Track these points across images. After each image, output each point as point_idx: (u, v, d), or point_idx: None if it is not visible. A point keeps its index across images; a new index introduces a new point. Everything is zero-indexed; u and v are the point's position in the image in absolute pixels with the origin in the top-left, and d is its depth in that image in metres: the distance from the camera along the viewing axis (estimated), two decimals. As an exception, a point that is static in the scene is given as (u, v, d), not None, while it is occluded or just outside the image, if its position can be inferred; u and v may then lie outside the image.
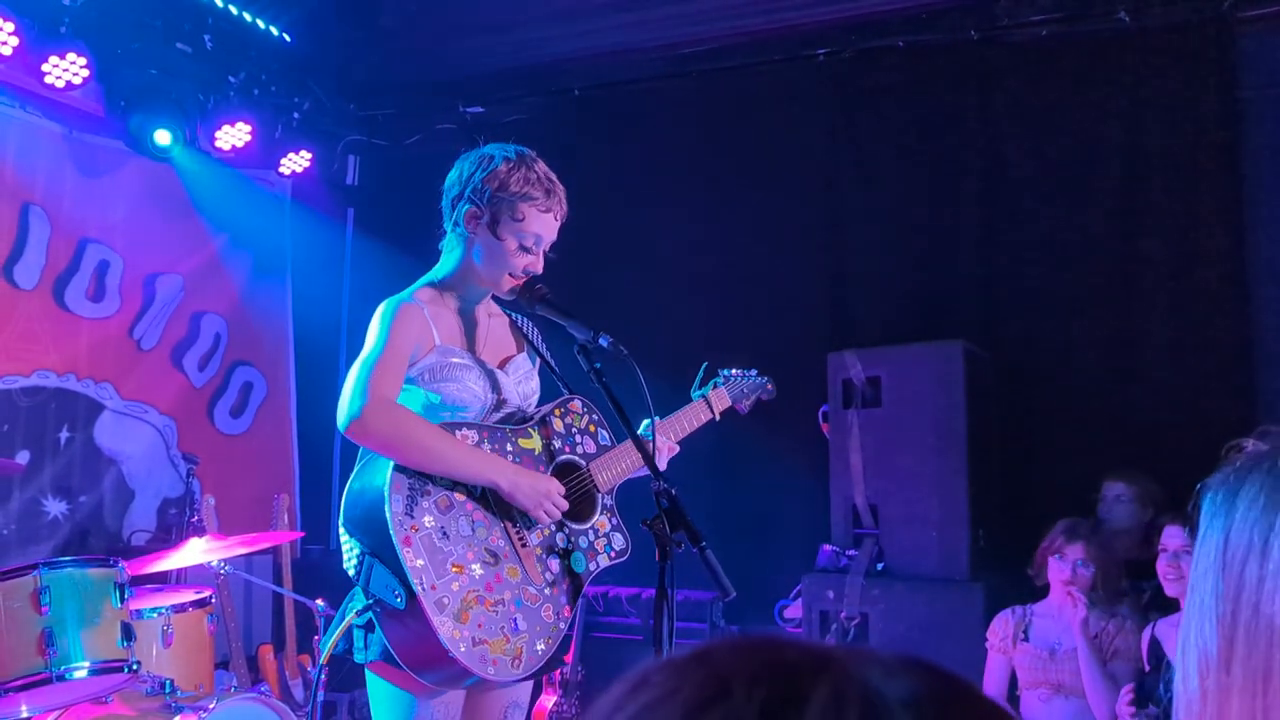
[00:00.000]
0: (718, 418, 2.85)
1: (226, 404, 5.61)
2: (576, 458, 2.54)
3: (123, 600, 3.04)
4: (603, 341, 2.40)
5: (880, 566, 4.19)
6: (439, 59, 5.67)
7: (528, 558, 2.39)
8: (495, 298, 2.60)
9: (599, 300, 5.18)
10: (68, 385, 4.89)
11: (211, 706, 3.09)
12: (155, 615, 3.52)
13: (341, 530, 2.34)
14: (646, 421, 2.60)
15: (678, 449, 2.69)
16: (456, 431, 2.36)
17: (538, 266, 2.52)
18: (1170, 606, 3.35)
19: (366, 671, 2.38)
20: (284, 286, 5.91)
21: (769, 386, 3.03)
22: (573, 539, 2.47)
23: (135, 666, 3.02)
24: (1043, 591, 3.76)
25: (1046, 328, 4.63)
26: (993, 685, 3.71)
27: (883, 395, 4.27)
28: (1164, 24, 4.49)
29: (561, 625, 2.39)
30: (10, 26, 4.21)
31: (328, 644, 2.38)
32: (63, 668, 2.87)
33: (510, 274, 2.48)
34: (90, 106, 4.84)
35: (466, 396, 2.43)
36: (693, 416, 2.77)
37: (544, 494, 2.37)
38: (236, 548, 3.77)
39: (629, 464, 2.56)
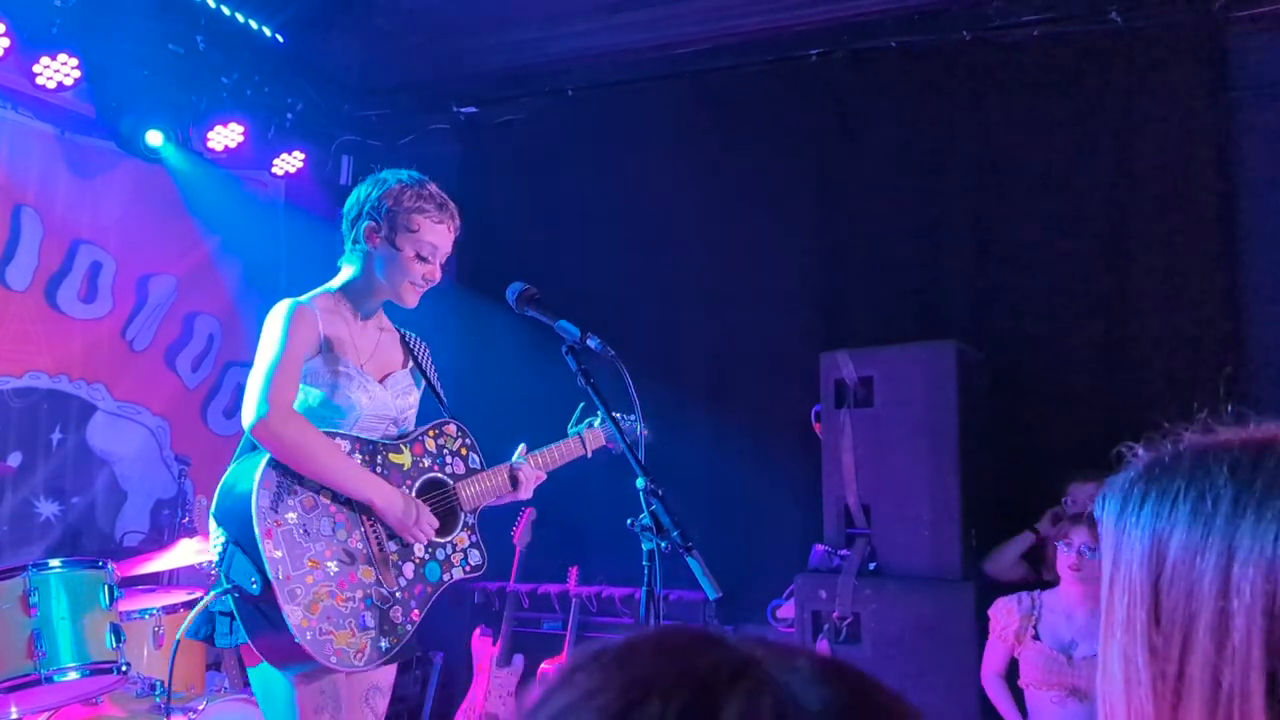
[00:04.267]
0: (589, 455, 3.01)
1: (220, 405, 5.60)
2: (444, 476, 2.73)
3: (112, 601, 3.04)
4: (591, 343, 2.43)
5: (872, 566, 4.19)
6: (433, 59, 5.66)
7: (383, 562, 2.57)
8: (388, 311, 2.80)
9: (590, 301, 5.17)
10: (60, 386, 4.89)
11: (202, 708, 3.09)
12: (146, 616, 3.53)
13: (211, 520, 2.53)
14: (519, 450, 2.85)
15: (544, 478, 2.89)
16: (333, 440, 2.54)
17: (436, 275, 2.73)
18: None
19: (248, 669, 2.59)
20: (277, 287, 5.90)
21: (644, 433, 3.09)
22: (431, 550, 2.66)
23: (125, 668, 3.02)
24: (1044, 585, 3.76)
25: (1038, 328, 4.63)
26: (993, 668, 3.72)
27: (875, 395, 4.27)
28: (1156, 24, 4.49)
29: (409, 627, 2.58)
30: (1, 27, 4.20)
31: (181, 633, 2.58)
32: (52, 669, 2.88)
33: (411, 283, 2.69)
34: (82, 107, 4.83)
35: (343, 403, 2.61)
36: (565, 451, 2.95)
37: (414, 518, 2.57)
38: (228, 549, 3.76)
39: (494, 487, 2.78)
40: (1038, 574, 4.05)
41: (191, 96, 5.04)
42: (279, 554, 2.39)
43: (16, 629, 2.85)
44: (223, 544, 2.47)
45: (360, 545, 2.55)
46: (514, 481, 2.82)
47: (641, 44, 5.30)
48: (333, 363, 2.61)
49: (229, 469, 2.57)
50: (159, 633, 3.52)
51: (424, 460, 2.71)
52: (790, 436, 4.78)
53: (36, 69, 4.40)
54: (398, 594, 2.57)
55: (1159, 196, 4.49)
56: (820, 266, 5.07)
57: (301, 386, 2.58)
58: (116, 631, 3.01)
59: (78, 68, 4.46)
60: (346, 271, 2.75)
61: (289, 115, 5.54)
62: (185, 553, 3.71)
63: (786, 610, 4.49)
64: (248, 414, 2.48)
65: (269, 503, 2.43)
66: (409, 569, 2.61)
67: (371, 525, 2.57)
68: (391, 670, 2.73)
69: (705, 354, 5.24)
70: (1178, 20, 4.45)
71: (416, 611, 2.60)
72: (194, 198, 5.38)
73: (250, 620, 2.44)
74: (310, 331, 2.59)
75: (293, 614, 2.37)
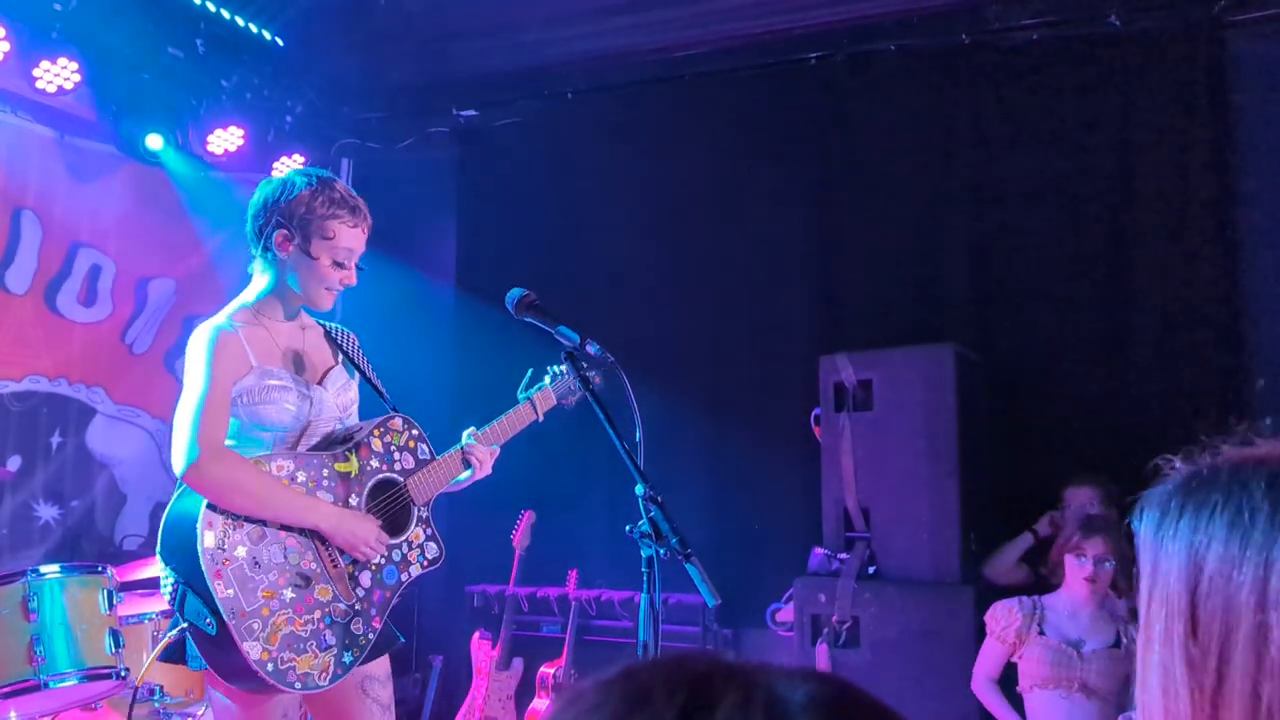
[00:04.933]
0: (541, 418, 2.94)
1: (219, 408, 5.60)
2: (394, 475, 2.68)
3: (111, 606, 3.04)
4: (590, 348, 2.42)
5: (872, 570, 4.19)
6: (432, 62, 5.67)
7: (339, 578, 2.54)
8: (308, 310, 2.73)
9: (589, 304, 5.18)
10: (59, 390, 4.89)
11: (200, 713, 3.09)
12: (145, 620, 3.53)
13: (158, 556, 2.48)
14: (467, 432, 2.77)
15: (498, 452, 2.83)
16: (272, 463, 2.48)
17: (352, 279, 2.66)
18: None
19: (206, 684, 2.59)
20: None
21: (597, 379, 3.06)
22: (386, 554, 2.61)
23: (124, 673, 3.02)
24: (1047, 587, 3.75)
25: (1037, 331, 4.64)
26: (986, 671, 3.70)
27: (874, 398, 4.27)
28: (1155, 27, 4.49)
29: (371, 636, 2.56)
30: (1, 31, 4.21)
31: (147, 662, 2.60)
32: (51, 674, 2.88)
33: (328, 288, 2.63)
34: (82, 111, 4.84)
35: (284, 417, 2.55)
36: (516, 420, 2.88)
37: (363, 537, 2.53)
38: (227, 553, 3.76)
39: (446, 474, 2.73)
40: (1038, 577, 4.04)
41: (191, 100, 5.05)
42: (230, 592, 2.35)
43: (16, 634, 2.86)
44: (173, 583, 2.42)
45: (314, 565, 2.51)
46: (467, 463, 2.76)
47: (641, 47, 5.30)
48: (265, 376, 2.54)
49: (171, 503, 2.50)
50: (158, 637, 3.52)
51: (371, 463, 2.65)
52: (789, 439, 4.78)
53: (36, 72, 4.41)
54: (357, 606, 2.54)
55: (1158, 200, 4.49)
56: (819, 269, 5.07)
57: (236, 406, 2.52)
58: (115, 637, 3.02)
59: (77, 71, 4.47)
60: (260, 281, 2.66)
61: (288, 118, 5.54)
62: (184, 557, 3.70)
63: (786, 614, 4.49)
64: (178, 459, 2.41)
65: (215, 542, 2.37)
66: (366, 578, 2.58)
67: (323, 543, 2.53)
68: (384, 660, 2.69)
69: (705, 356, 5.24)
70: (1177, 23, 4.45)
71: (378, 619, 2.58)
72: (193, 201, 5.38)
73: (209, 654, 2.42)
74: (235, 355, 2.52)
75: (251, 650, 2.35)
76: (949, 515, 4.09)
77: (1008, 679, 3.68)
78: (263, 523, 2.45)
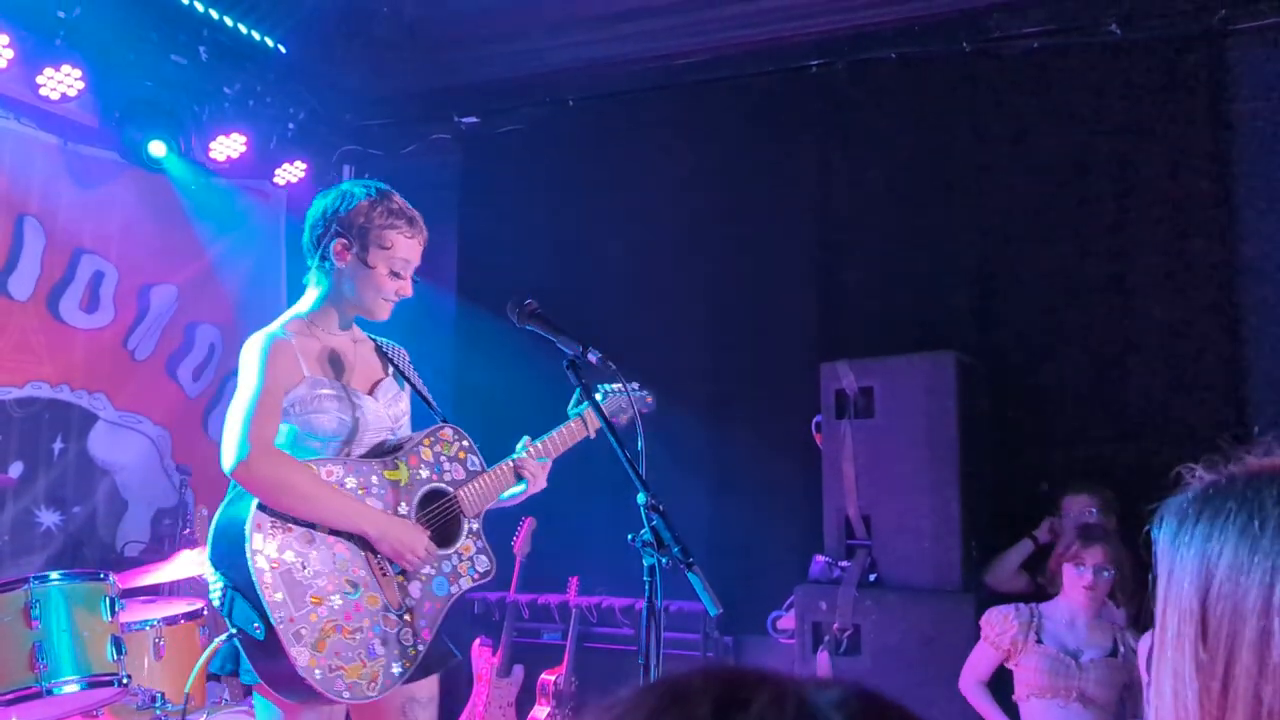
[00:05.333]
0: (592, 435, 2.94)
1: (221, 414, 5.55)
2: (444, 485, 2.67)
3: (113, 613, 3.04)
4: (592, 357, 2.43)
5: (873, 577, 4.19)
6: (434, 69, 5.68)
7: (388, 585, 2.52)
8: (360, 322, 2.74)
9: (590, 311, 5.18)
10: (61, 396, 4.89)
11: (202, 720, 3.09)
12: (147, 627, 3.53)
13: (207, 563, 2.47)
14: (522, 443, 2.78)
15: (549, 466, 2.84)
16: (322, 468, 2.48)
17: (408, 290, 2.68)
18: None
19: (254, 692, 2.52)
20: (279, 297, 5.91)
21: (648, 399, 3.07)
22: (436, 565, 2.60)
23: (126, 680, 3.02)
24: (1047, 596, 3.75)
25: (1038, 338, 4.64)
26: (976, 674, 3.69)
27: (875, 406, 4.27)
28: (1155, 36, 4.50)
29: (420, 647, 2.53)
30: (5, 39, 4.22)
31: (198, 669, 2.61)
32: (53, 681, 2.88)
33: (385, 299, 2.64)
34: (85, 118, 4.85)
35: (334, 426, 2.56)
36: (568, 435, 2.88)
37: (409, 546, 2.51)
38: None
39: (497, 486, 2.72)
40: (1039, 586, 4.04)
41: (194, 107, 5.06)
42: (279, 597, 2.34)
43: (18, 641, 2.86)
44: (222, 589, 2.41)
45: (363, 573, 2.49)
46: (519, 476, 2.77)
47: (642, 54, 5.31)
48: (318, 386, 2.55)
49: (219, 510, 2.50)
50: (159, 644, 3.52)
51: (421, 471, 2.64)
52: (790, 447, 4.78)
53: (40, 79, 4.42)
54: (405, 616, 2.52)
55: (1159, 208, 4.50)
56: (821, 276, 5.07)
57: (289, 415, 2.52)
58: (117, 644, 3.02)
59: (81, 78, 4.48)
60: (314, 292, 2.69)
61: (291, 125, 5.56)
62: (186, 564, 3.71)
63: (787, 621, 4.49)
64: (228, 456, 2.42)
65: (264, 546, 2.37)
66: (415, 588, 2.55)
67: (372, 550, 2.52)
68: (432, 681, 2.65)
69: (706, 364, 5.24)
70: (1177, 32, 4.46)
71: (427, 630, 2.55)
72: (196, 208, 5.39)
73: (259, 663, 2.40)
74: (289, 362, 2.53)
75: (300, 656, 2.33)
76: (950, 523, 4.09)
77: (1005, 687, 3.68)
78: (311, 527, 2.44)
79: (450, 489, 2.68)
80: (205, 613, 3.85)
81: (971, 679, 3.72)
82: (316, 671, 2.34)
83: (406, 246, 2.64)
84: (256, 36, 5.28)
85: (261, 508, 2.40)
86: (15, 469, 4.65)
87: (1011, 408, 4.57)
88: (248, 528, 2.37)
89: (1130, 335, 4.50)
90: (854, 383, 4.30)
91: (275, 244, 5.89)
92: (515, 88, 5.63)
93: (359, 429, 2.60)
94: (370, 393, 2.67)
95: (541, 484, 2.80)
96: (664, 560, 2.17)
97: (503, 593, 5.13)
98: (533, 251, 5.52)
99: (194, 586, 4.24)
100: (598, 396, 2.98)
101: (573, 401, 2.90)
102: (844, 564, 4.23)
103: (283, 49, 5.43)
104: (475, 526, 2.71)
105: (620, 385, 2.97)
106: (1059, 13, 4.61)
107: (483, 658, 5.13)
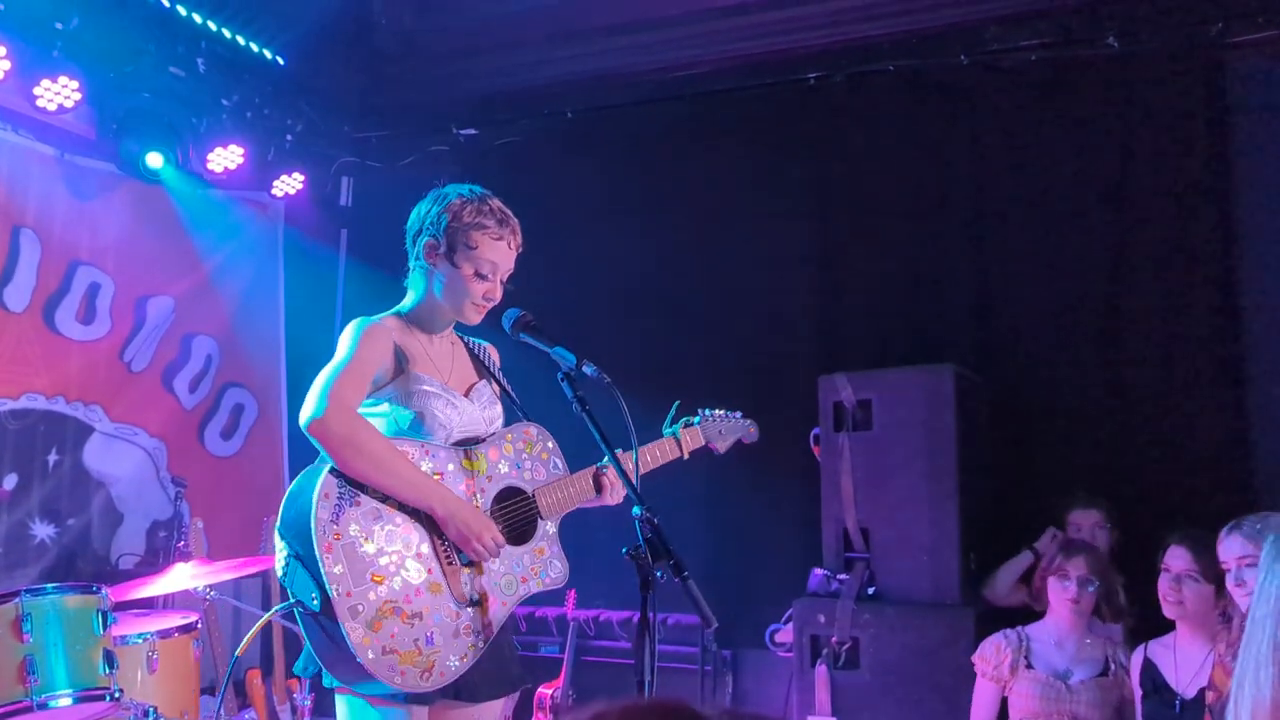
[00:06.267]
0: (686, 456, 2.91)
1: (217, 426, 5.59)
2: (522, 483, 2.63)
3: (105, 627, 3.02)
4: (587, 370, 2.42)
5: (871, 591, 4.17)
6: (432, 81, 5.69)
7: (453, 575, 2.46)
8: (459, 326, 2.71)
9: (587, 324, 5.17)
10: (57, 408, 4.88)
11: (195, 734, 3.06)
12: (140, 641, 3.50)
13: (275, 533, 2.42)
14: (607, 454, 2.67)
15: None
16: (399, 445, 2.44)
17: (496, 294, 2.65)
18: (1164, 627, 3.32)
19: (335, 694, 2.45)
20: (276, 307, 5.91)
21: (751, 430, 3.05)
22: (506, 562, 2.55)
23: (118, 695, 3.00)
24: (1033, 616, 3.73)
25: (1037, 351, 4.63)
26: (983, 713, 3.66)
27: (874, 418, 4.26)
28: (1153, 49, 4.50)
29: (480, 644, 2.45)
30: (2, 50, 4.21)
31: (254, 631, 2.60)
32: (44, 696, 2.86)
33: (472, 301, 2.61)
34: (82, 129, 4.85)
35: (432, 424, 2.52)
36: (660, 453, 2.84)
37: (476, 532, 2.44)
38: (223, 573, 3.75)
39: (576, 493, 2.68)
40: (1036, 599, 4.01)
41: (192, 118, 5.06)
42: (339, 569, 2.30)
43: (9, 655, 2.83)
44: (285, 557, 2.37)
45: (429, 558, 2.43)
46: (598, 487, 2.72)
47: (640, 67, 5.31)
48: (416, 382, 2.53)
49: (295, 480, 2.46)
50: (153, 657, 3.50)
51: (500, 466, 2.59)
52: (789, 459, 4.76)
53: (37, 91, 4.42)
54: (469, 610, 2.45)
55: (1158, 220, 4.50)
56: (819, 289, 5.07)
57: (390, 408, 2.51)
58: (109, 658, 2.99)
59: (78, 89, 4.48)
60: (412, 294, 2.67)
61: (289, 137, 5.56)
62: (180, 577, 3.68)
63: (785, 634, 4.47)
64: (305, 411, 2.38)
65: (329, 515, 2.33)
66: (482, 582, 2.49)
67: (440, 538, 2.45)
68: (496, 707, 2.58)
69: (704, 376, 5.22)
70: (1175, 44, 4.46)
71: (490, 627, 2.47)
72: (193, 219, 5.39)
73: (315, 637, 2.36)
74: (383, 346, 2.51)
75: (353, 631, 2.27)
76: (949, 536, 4.08)
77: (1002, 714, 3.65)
78: (381, 502, 2.39)
79: (528, 488, 2.63)
80: (199, 626, 3.83)
81: (979, 718, 3.67)
82: (370, 652, 2.28)
83: (493, 248, 2.61)
84: (255, 48, 5.28)
85: (333, 473, 2.36)
86: (9, 481, 4.63)
87: (1010, 421, 4.55)
88: (315, 495, 2.33)
89: (1129, 348, 4.49)
90: (852, 395, 4.28)
91: (273, 255, 5.88)
92: (513, 100, 5.63)
93: (453, 430, 2.56)
94: (466, 395, 2.64)
95: (618, 498, 2.73)
96: (659, 574, 2.15)
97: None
98: (530, 262, 5.50)
99: (188, 599, 4.21)
100: (694, 419, 2.98)
101: (667, 420, 2.86)
102: (842, 577, 4.21)
103: (281, 61, 5.43)
104: (552, 530, 2.66)
105: (726, 411, 2.94)
106: (1057, 26, 4.61)
107: (479, 671, 5.10)
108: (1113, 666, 3.50)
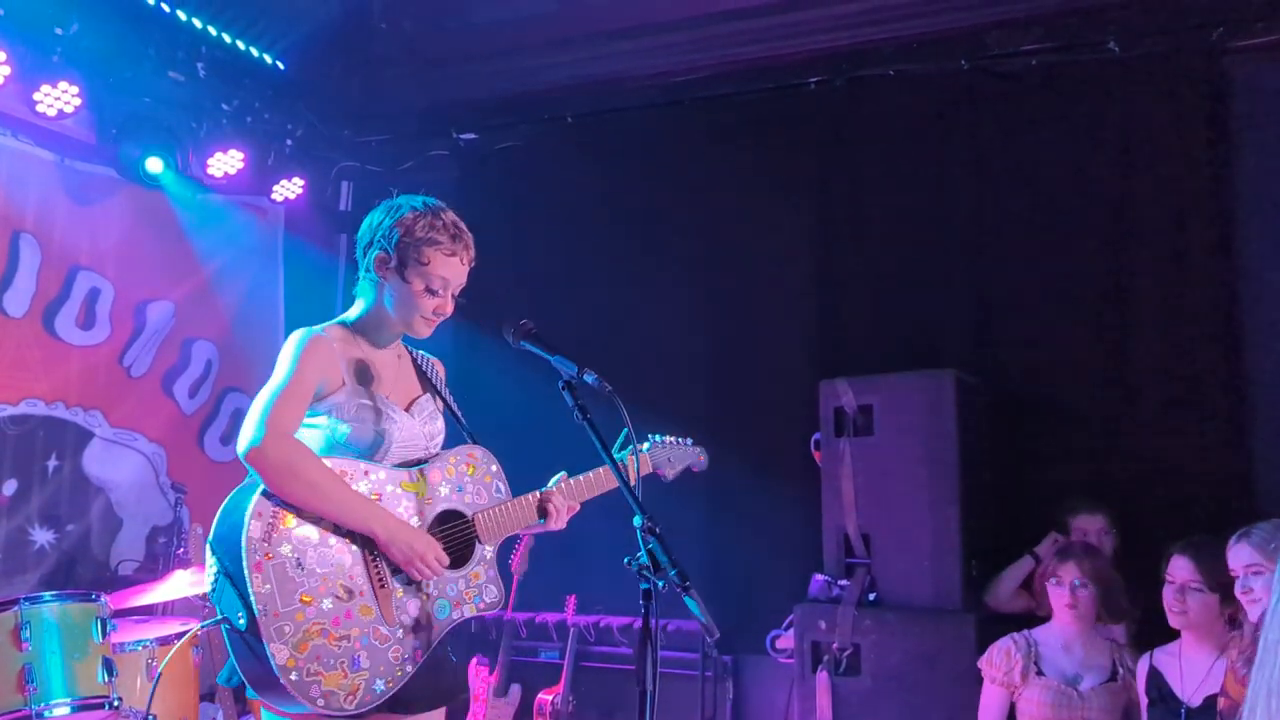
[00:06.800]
0: (634, 482, 2.86)
1: (217, 431, 5.58)
2: (463, 506, 2.61)
3: (104, 635, 3.01)
4: (588, 378, 2.40)
5: (872, 597, 4.16)
6: (432, 86, 5.69)
7: (385, 598, 2.44)
8: (409, 339, 2.70)
9: (587, 328, 5.17)
10: (56, 413, 4.87)
11: (194, 743, 3.05)
12: (139, 648, 3.49)
13: (207, 548, 2.40)
14: (556, 477, 2.73)
15: (578, 508, 2.76)
16: (337, 468, 2.42)
17: (447, 309, 2.63)
18: (1169, 634, 3.32)
19: (261, 708, 2.45)
20: (276, 312, 5.90)
21: (701, 458, 3.03)
22: (440, 586, 2.53)
23: (117, 703, 2.99)
24: (1035, 621, 3.72)
25: (1038, 356, 4.62)
26: (990, 717, 3.65)
27: (875, 424, 4.25)
28: (1154, 54, 4.50)
29: (409, 669, 2.44)
30: (2, 55, 4.21)
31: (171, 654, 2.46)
32: (43, 704, 2.85)
33: (422, 316, 2.59)
34: (82, 134, 4.85)
35: (368, 438, 2.51)
36: (603, 480, 2.80)
37: (420, 552, 2.44)
38: (222, 579, 3.73)
39: (518, 518, 2.66)
40: (1038, 605, 4.00)
41: (191, 123, 5.06)
42: (267, 589, 2.28)
43: (7, 663, 2.83)
44: (215, 574, 2.35)
45: (361, 581, 2.42)
46: (542, 512, 2.70)
47: (641, 71, 5.32)
48: (357, 394, 2.51)
49: (229, 496, 2.44)
50: (152, 665, 3.49)
51: (441, 489, 2.57)
52: (789, 464, 4.76)
53: (37, 96, 4.42)
54: (399, 633, 2.44)
55: (1158, 225, 4.49)
56: (819, 294, 5.06)
57: (329, 420, 2.49)
58: (109, 666, 2.99)
59: (78, 95, 4.48)
60: (360, 304, 2.65)
61: (289, 141, 5.56)
62: (180, 584, 3.68)
63: (786, 640, 4.46)
64: (243, 438, 2.36)
65: (261, 533, 2.31)
66: (414, 606, 2.48)
67: (374, 560, 2.44)
68: (439, 715, 2.58)
69: (704, 381, 5.22)
70: (1176, 50, 4.46)
71: (420, 651, 2.46)
72: (193, 224, 5.38)
73: (241, 654, 2.34)
74: (325, 360, 2.49)
75: (279, 653, 2.26)
76: (950, 541, 4.07)
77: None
78: (316, 525, 2.37)
79: (468, 511, 2.61)
80: (200, 633, 3.82)
81: None
82: (293, 673, 2.27)
83: (445, 264, 2.58)
84: (255, 53, 5.28)
85: (267, 494, 2.34)
86: (9, 486, 4.63)
87: (1011, 426, 4.54)
88: (249, 512, 2.31)
89: (1130, 353, 4.48)
90: (853, 400, 4.28)
91: (273, 260, 5.88)
92: (513, 104, 5.63)
93: (390, 444, 2.54)
94: (407, 409, 2.62)
95: (562, 524, 2.72)
96: (660, 584, 2.14)
97: (500, 611, 5.09)
98: (530, 268, 5.51)
99: (188, 606, 4.21)
100: (644, 446, 2.97)
101: (616, 444, 2.86)
102: (843, 583, 4.20)
103: (281, 65, 5.43)
104: (490, 554, 2.64)
105: (677, 438, 2.93)
106: (1058, 30, 4.61)
107: (480, 677, 5.10)
108: (1120, 671, 3.50)
